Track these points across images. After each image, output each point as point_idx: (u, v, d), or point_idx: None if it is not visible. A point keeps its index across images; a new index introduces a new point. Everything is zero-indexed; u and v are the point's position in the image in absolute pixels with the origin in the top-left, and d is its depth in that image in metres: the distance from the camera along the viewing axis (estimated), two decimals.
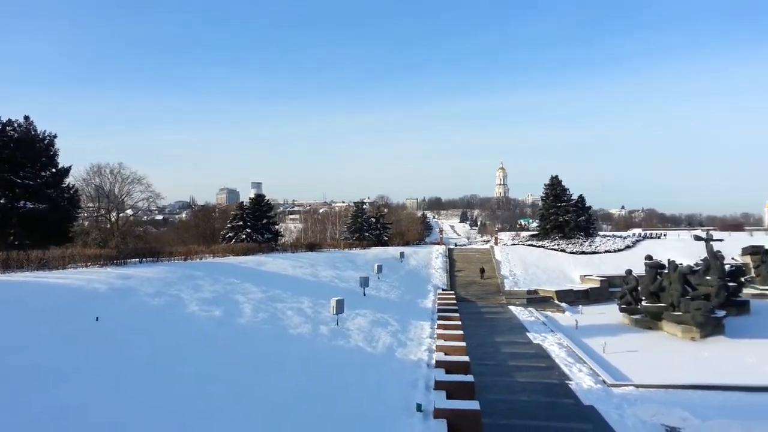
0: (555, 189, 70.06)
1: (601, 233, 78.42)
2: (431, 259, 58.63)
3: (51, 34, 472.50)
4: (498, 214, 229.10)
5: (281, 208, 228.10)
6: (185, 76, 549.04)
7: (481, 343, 30.19)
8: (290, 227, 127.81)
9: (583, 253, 60.20)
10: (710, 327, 31.62)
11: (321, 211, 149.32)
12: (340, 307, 26.75)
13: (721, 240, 41.82)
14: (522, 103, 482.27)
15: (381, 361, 22.95)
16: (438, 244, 74.10)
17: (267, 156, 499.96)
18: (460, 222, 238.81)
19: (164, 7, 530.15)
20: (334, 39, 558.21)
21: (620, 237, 71.38)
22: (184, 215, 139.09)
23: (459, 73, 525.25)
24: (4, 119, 35.22)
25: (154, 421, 12.58)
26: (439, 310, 36.11)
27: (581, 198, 70.72)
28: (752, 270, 50.95)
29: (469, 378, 18.50)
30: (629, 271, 39.61)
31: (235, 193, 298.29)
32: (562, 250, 60.76)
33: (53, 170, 37.56)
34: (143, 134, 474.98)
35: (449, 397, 16.69)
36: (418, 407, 16.34)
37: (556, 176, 71.19)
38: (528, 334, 33.25)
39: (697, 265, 39.02)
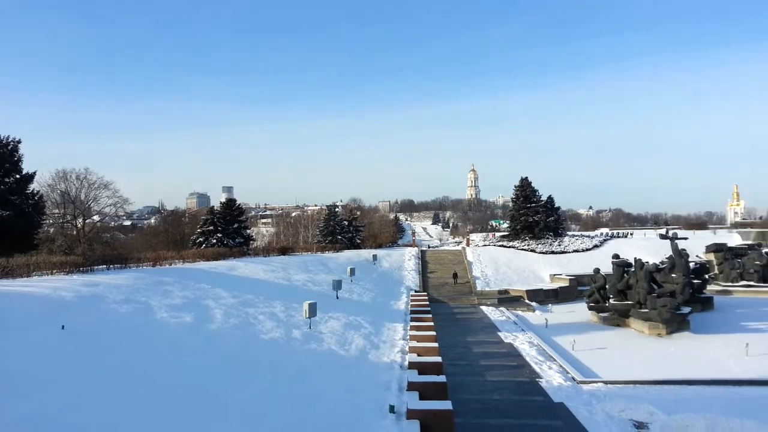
0: (525, 190, 71.03)
1: (570, 233, 79.78)
2: (404, 261, 58.85)
3: (13, 37, 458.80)
4: (470, 215, 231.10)
5: (253, 213, 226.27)
6: (154, 80, 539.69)
7: (454, 344, 30.44)
8: (262, 231, 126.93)
9: (553, 252, 61.26)
10: (676, 323, 32.49)
11: (293, 214, 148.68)
12: (312, 310, 26.63)
13: (685, 238, 42.99)
14: (491, 106, 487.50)
15: (354, 363, 22.94)
16: (411, 246, 74.46)
17: (239, 160, 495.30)
18: (432, 224, 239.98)
19: (133, 9, 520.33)
20: (307, 43, 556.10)
21: (588, 237, 72.77)
22: (153, 220, 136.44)
23: (431, 77, 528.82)
24: None
25: (124, 428, 12.35)
26: (412, 312, 36.24)
27: (550, 199, 71.87)
28: (716, 267, 52.65)
29: (442, 378, 18.64)
30: (597, 270, 40.48)
31: (206, 197, 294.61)
32: (532, 251, 61.72)
33: (17, 176, 36.52)
34: (111, 139, 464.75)
35: (422, 397, 16.80)
36: (391, 409, 16.40)
37: (526, 178, 72.25)
38: (499, 333, 33.66)
39: (662, 263, 40.05)
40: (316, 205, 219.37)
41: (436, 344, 25.09)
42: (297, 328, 25.88)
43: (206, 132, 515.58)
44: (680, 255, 38.01)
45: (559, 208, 75.09)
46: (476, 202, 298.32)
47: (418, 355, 22.55)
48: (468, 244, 70.22)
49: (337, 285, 37.08)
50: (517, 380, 23.42)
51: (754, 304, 41.04)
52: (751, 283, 49.27)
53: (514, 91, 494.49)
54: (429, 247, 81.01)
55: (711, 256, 54.45)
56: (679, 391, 21.82)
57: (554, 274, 53.34)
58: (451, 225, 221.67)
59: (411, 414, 15.47)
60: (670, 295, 33.43)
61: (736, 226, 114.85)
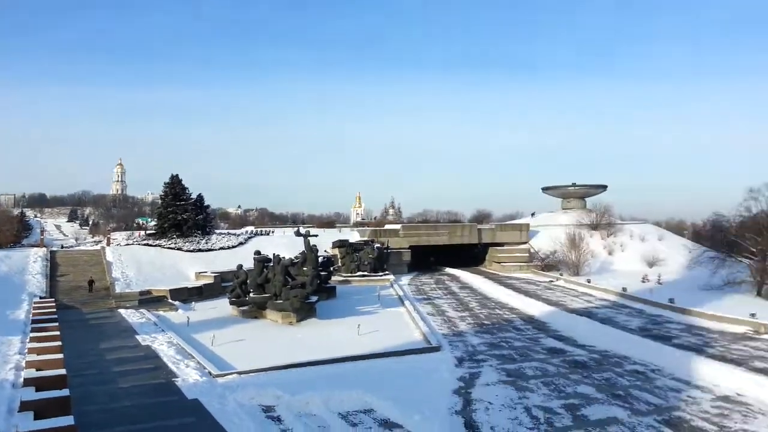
0: (175, 188, 68.79)
1: (218, 231, 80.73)
2: (28, 263, 50.11)
3: None
4: (114, 212, 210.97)
5: None
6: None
7: (84, 353, 27.45)
8: None
9: (200, 250, 61.15)
10: (305, 311, 36.48)
11: None
12: None
13: (316, 235, 48.74)
14: (143, 99, 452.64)
15: None
16: (38, 246, 63.81)
17: None
18: (68, 221, 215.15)
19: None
20: None
21: (235, 234, 74.95)
22: None
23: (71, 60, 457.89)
24: None
25: None
26: (34, 322, 31.45)
27: (200, 197, 71.37)
28: (339, 260, 61.19)
29: (65, 393, 16.60)
30: (240, 266, 42.28)
31: None
32: (179, 249, 60.33)
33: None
34: None
35: (39, 417, 14.69)
36: None
37: (177, 175, 69.97)
38: (137, 336, 31.88)
39: (296, 257, 44.44)
40: None
41: (61, 356, 22.11)
42: None
43: None
44: (311, 250, 42.86)
45: (208, 206, 75.24)
46: (122, 198, 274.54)
47: (38, 370, 19.54)
48: (109, 243, 64.01)
49: None
50: (152, 383, 22.58)
51: (367, 291, 49.10)
52: (366, 273, 58.98)
53: (173, 84, 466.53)
54: (62, 248, 71.24)
55: (336, 251, 63.19)
56: (304, 372, 24.38)
57: (200, 272, 53.26)
58: (90, 223, 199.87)
59: None
60: (301, 287, 37.32)
61: (356, 225, 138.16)
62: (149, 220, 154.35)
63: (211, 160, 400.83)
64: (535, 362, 25.86)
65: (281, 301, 36.41)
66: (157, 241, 62.92)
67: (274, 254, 41.05)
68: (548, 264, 69.76)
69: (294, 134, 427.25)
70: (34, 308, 36.57)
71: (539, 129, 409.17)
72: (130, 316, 38.74)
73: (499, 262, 74.67)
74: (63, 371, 19.40)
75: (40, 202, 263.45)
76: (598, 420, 17.45)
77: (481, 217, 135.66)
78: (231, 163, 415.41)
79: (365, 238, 71.11)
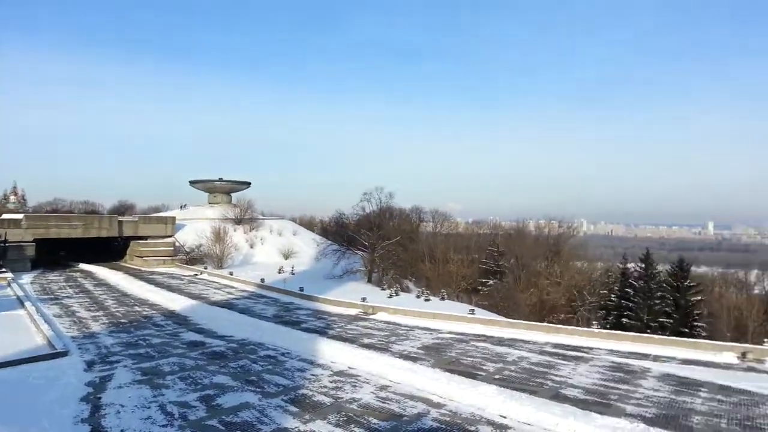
0: None
1: None
2: None
3: None
4: None
5: None
6: None
7: None
8: None
9: None
10: None
11: None
12: None
13: None
14: None
15: None
16: None
17: None
18: None
19: None
20: None
21: None
22: None
23: None
24: None
25: None
26: None
27: None
28: None
29: None
30: None
31: None
32: None
33: None
34: None
35: None
36: None
37: None
38: None
39: None
40: None
41: None
42: None
43: None
44: None
45: None
46: None
47: None
48: None
49: None
50: None
51: None
52: None
53: None
54: None
55: None
56: None
57: None
58: None
59: None
60: None
61: None
62: None
63: None
64: (173, 357, 25.10)
65: None
66: None
67: None
68: (193, 258, 69.09)
69: None
70: None
71: (183, 120, 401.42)
72: None
73: (142, 257, 70.44)
74: None
75: None
76: (231, 407, 17.96)
77: (123, 209, 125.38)
78: None
79: None
